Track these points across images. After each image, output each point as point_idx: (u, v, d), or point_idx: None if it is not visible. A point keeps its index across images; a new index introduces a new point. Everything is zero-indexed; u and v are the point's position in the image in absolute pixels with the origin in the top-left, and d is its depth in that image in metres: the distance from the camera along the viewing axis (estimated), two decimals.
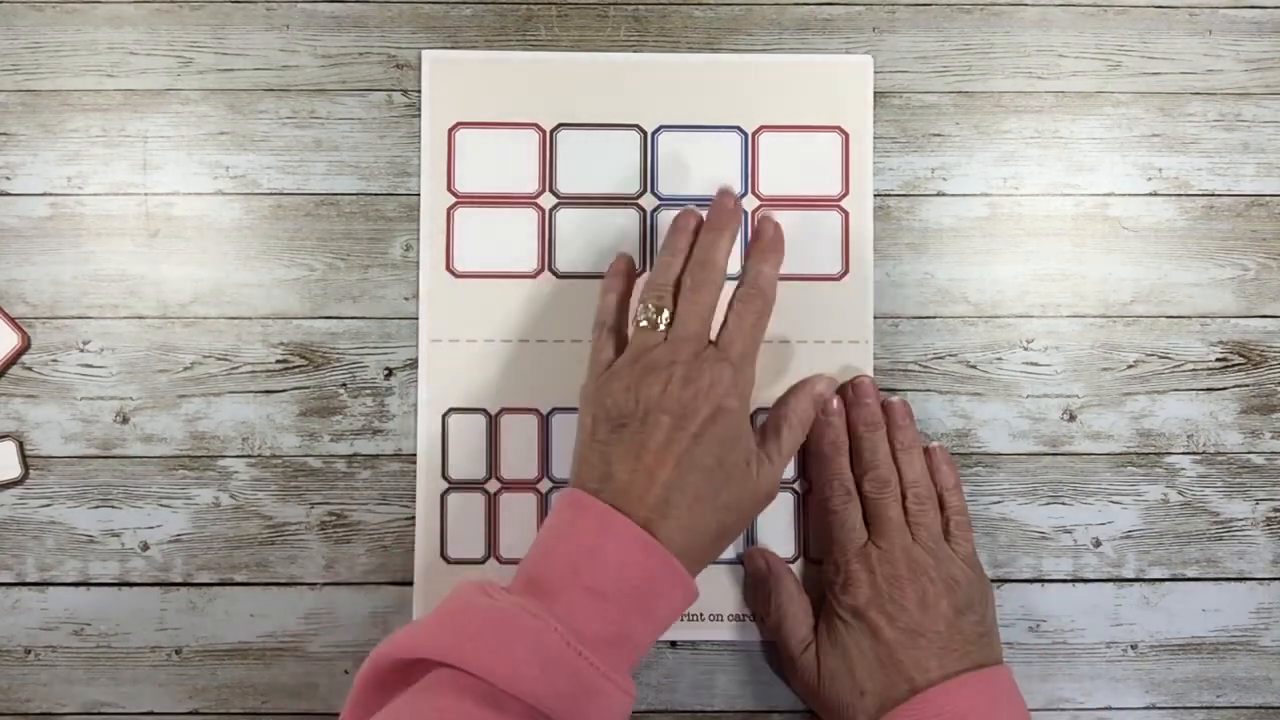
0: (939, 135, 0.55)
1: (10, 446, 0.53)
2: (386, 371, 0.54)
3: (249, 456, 0.53)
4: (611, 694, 0.42)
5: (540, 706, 0.40)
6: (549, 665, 0.41)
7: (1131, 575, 0.54)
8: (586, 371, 0.50)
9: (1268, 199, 0.55)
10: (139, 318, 0.54)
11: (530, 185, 0.54)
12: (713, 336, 0.48)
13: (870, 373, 0.54)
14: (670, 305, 0.48)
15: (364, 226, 0.54)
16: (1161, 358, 0.54)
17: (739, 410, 0.47)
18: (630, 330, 0.49)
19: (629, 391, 0.46)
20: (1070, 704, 0.54)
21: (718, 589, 0.53)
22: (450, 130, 0.54)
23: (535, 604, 0.42)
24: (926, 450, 0.52)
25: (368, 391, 0.54)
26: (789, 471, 0.54)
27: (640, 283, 0.52)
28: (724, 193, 0.51)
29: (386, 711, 0.42)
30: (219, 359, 0.54)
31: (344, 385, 0.54)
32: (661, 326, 0.48)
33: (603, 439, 0.46)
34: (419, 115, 0.54)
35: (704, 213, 0.51)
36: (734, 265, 0.54)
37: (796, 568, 0.53)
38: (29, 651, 0.53)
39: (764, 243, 0.50)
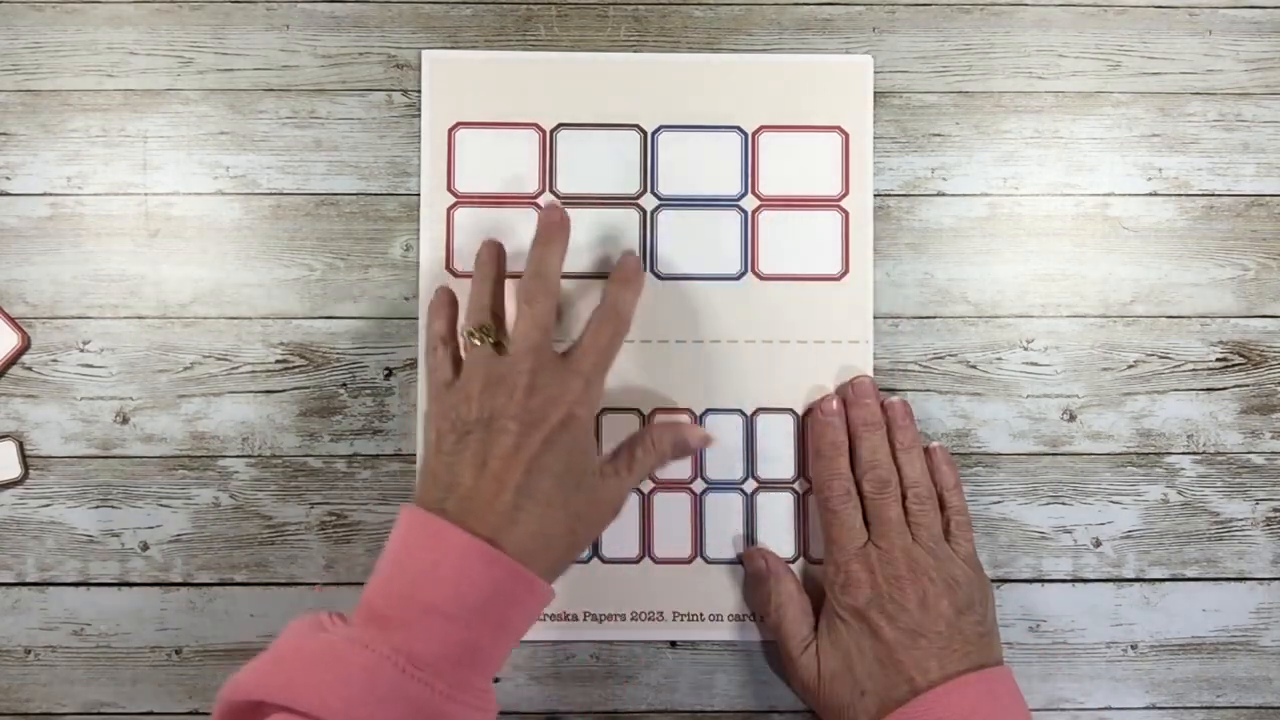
0: (939, 135, 0.55)
1: (10, 446, 0.53)
2: (386, 371, 0.54)
3: (249, 456, 0.53)
4: (459, 714, 0.41)
5: None
6: (384, 696, 0.40)
7: (1131, 575, 0.54)
8: (428, 392, 0.50)
9: (1268, 199, 0.55)
10: (139, 318, 0.54)
11: (530, 185, 0.54)
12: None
13: (870, 373, 0.54)
14: (493, 324, 0.48)
15: (364, 226, 0.54)
16: (1161, 358, 0.54)
17: (586, 419, 0.47)
18: (464, 351, 0.49)
19: (471, 401, 0.46)
20: (1070, 704, 0.54)
21: (718, 589, 0.53)
22: (450, 130, 0.54)
23: (371, 633, 0.41)
24: (926, 450, 0.52)
25: (368, 391, 0.54)
26: (789, 471, 0.54)
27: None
28: (551, 206, 0.50)
29: None
30: (219, 359, 0.54)
31: (344, 385, 0.54)
32: (489, 342, 0.48)
33: (448, 450, 0.45)
34: (419, 115, 0.54)
35: (502, 243, 0.51)
36: (728, 266, 0.54)
37: (796, 568, 0.53)
38: (29, 651, 0.53)
39: (626, 273, 0.50)
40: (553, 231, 0.50)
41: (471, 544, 0.43)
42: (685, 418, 0.53)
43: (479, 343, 0.48)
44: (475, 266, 0.51)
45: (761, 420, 0.54)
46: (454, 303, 0.52)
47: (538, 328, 0.47)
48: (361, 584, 0.53)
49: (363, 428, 0.54)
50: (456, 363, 0.50)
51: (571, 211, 0.54)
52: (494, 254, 0.51)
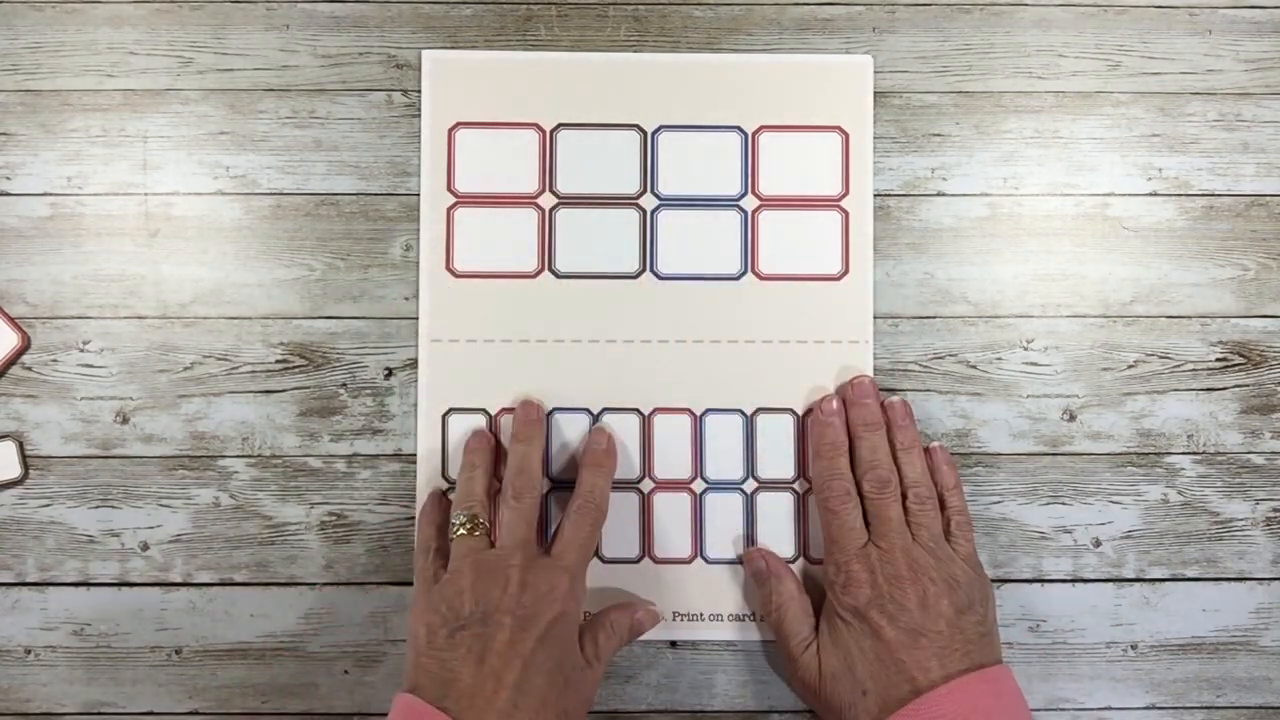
0: (939, 135, 0.55)
1: (10, 446, 0.53)
2: (386, 371, 0.54)
3: (249, 456, 0.53)
4: None
5: None
6: None
7: (1131, 575, 0.54)
8: (415, 590, 0.50)
9: (1268, 199, 0.55)
10: (139, 318, 0.54)
11: (530, 185, 0.54)
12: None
13: (870, 373, 0.54)
14: (483, 514, 0.49)
15: (364, 226, 0.54)
16: (1161, 358, 0.54)
17: (575, 617, 0.48)
18: (453, 541, 0.49)
19: (464, 595, 0.46)
20: (1070, 704, 0.54)
21: (718, 589, 0.53)
22: (450, 130, 0.54)
23: None
24: (927, 450, 0.52)
25: (368, 391, 0.54)
26: (789, 471, 0.54)
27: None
28: (526, 404, 0.52)
29: None
30: (219, 359, 0.54)
31: (344, 385, 0.54)
32: (479, 534, 0.48)
33: (440, 646, 0.46)
34: (419, 115, 0.54)
35: (490, 436, 0.52)
36: (728, 266, 0.54)
37: (796, 568, 0.53)
38: (29, 651, 0.53)
39: (597, 455, 0.51)
40: (531, 429, 0.51)
41: None
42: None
43: (468, 532, 0.49)
44: (465, 455, 0.52)
45: (761, 420, 0.54)
46: (446, 508, 0.52)
47: (524, 523, 0.48)
48: (362, 584, 0.53)
49: (363, 428, 0.54)
50: (445, 564, 0.50)
51: (572, 212, 0.54)
52: (485, 444, 0.52)
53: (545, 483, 0.52)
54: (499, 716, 0.44)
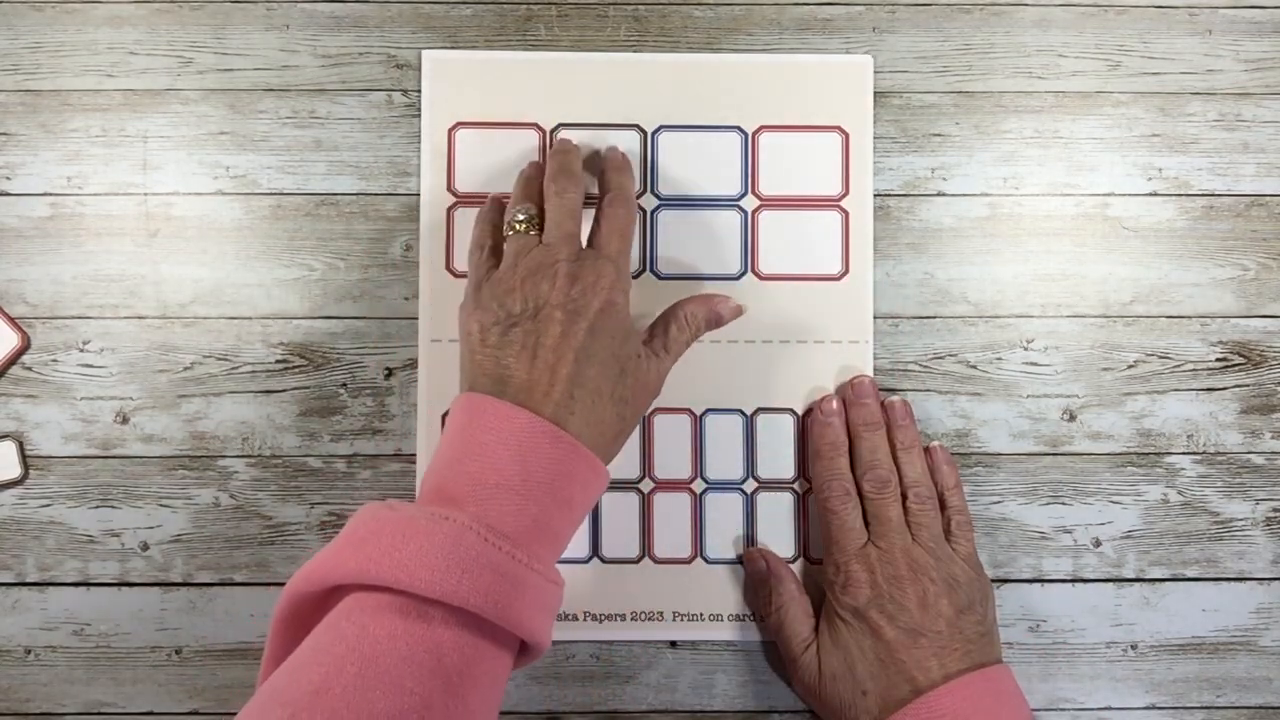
0: (939, 135, 0.55)
1: (10, 446, 0.53)
2: (386, 371, 0.54)
3: (249, 456, 0.53)
4: (539, 585, 0.42)
5: (468, 607, 0.40)
6: (470, 565, 0.40)
7: (1131, 575, 0.54)
8: (466, 292, 0.49)
9: (1268, 199, 0.55)
10: (139, 318, 0.54)
11: None
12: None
13: (870, 373, 0.54)
14: (536, 210, 0.49)
15: (364, 226, 0.54)
16: (1161, 358, 0.54)
17: (624, 305, 0.47)
18: (506, 239, 0.49)
19: (515, 293, 0.46)
20: (1070, 704, 0.54)
21: (718, 589, 0.53)
22: (450, 130, 0.54)
23: (446, 509, 0.42)
24: (927, 450, 0.52)
25: (368, 391, 0.54)
26: (789, 471, 0.54)
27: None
28: (561, 139, 0.53)
29: (307, 642, 0.41)
30: (219, 359, 0.54)
31: (344, 385, 0.54)
32: (534, 231, 0.48)
33: (494, 344, 0.46)
34: (419, 115, 0.54)
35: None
36: (728, 266, 0.54)
37: (796, 568, 0.53)
38: (29, 651, 0.53)
39: (618, 161, 0.51)
40: (568, 145, 0.51)
41: (537, 423, 0.43)
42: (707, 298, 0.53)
43: (524, 229, 0.48)
44: (519, 175, 0.52)
45: (761, 420, 0.54)
46: (502, 211, 0.52)
47: (570, 217, 0.48)
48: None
49: (363, 428, 0.54)
50: (497, 262, 0.50)
51: None
52: (537, 166, 0.52)
53: (588, 178, 0.51)
54: (555, 408, 0.44)
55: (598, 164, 0.53)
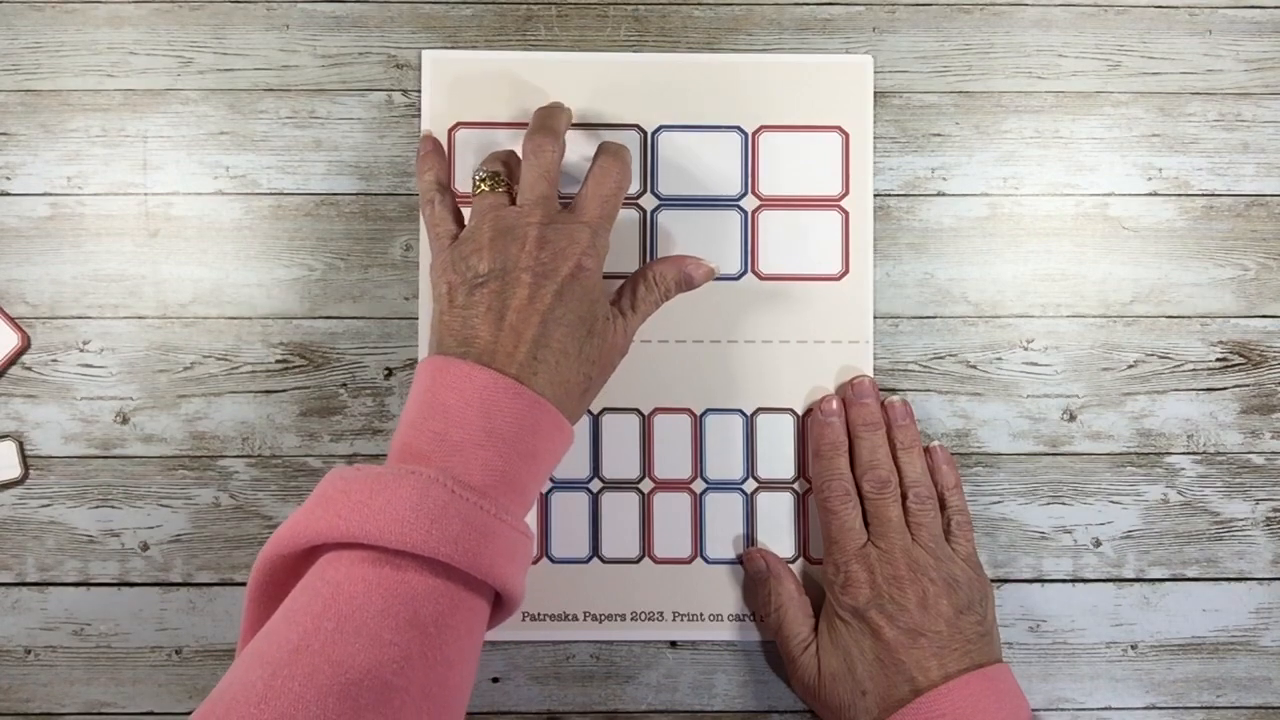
0: (939, 135, 0.55)
1: (10, 446, 0.53)
2: (386, 371, 0.54)
3: (249, 456, 0.53)
4: (508, 534, 0.42)
5: (439, 557, 0.40)
6: (438, 515, 0.40)
7: (1131, 575, 0.54)
8: (431, 247, 0.49)
9: (1268, 199, 0.55)
10: (139, 318, 0.54)
11: None
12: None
13: (870, 373, 0.54)
14: (504, 171, 0.49)
15: (364, 226, 0.54)
16: (1161, 358, 0.54)
17: (595, 270, 0.47)
18: (474, 198, 0.49)
19: (483, 252, 0.46)
20: (1070, 704, 0.54)
21: (718, 589, 0.53)
22: (450, 130, 0.54)
23: (412, 464, 0.42)
24: (927, 450, 0.52)
25: (368, 391, 0.54)
26: (789, 471, 0.54)
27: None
28: (554, 102, 0.52)
29: (284, 604, 0.41)
30: (219, 359, 0.54)
31: (344, 385, 0.54)
32: (500, 190, 0.48)
33: (461, 303, 0.46)
34: (419, 115, 0.54)
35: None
36: (728, 266, 0.54)
37: (796, 568, 0.53)
38: (29, 651, 0.53)
39: (611, 145, 0.50)
40: (555, 105, 0.51)
41: (500, 379, 0.43)
42: (687, 262, 0.52)
43: (489, 188, 0.48)
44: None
45: (761, 420, 0.54)
46: (441, 151, 0.52)
47: (545, 179, 0.48)
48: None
49: (363, 428, 0.54)
50: (456, 215, 0.50)
51: None
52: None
53: (565, 144, 0.51)
54: (519, 369, 0.44)
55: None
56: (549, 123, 0.49)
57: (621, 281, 0.51)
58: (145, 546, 0.53)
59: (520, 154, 0.49)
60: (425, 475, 0.41)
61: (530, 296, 0.45)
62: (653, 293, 0.50)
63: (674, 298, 0.51)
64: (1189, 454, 0.54)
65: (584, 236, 0.47)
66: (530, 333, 0.45)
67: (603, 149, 0.50)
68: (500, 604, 0.44)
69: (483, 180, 0.48)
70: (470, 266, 0.46)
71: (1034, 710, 0.52)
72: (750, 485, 0.54)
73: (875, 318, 0.54)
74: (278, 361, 0.54)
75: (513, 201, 0.48)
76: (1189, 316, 0.54)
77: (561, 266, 0.46)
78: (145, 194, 0.54)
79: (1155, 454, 0.54)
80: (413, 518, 0.40)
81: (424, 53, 0.54)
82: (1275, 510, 0.54)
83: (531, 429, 0.44)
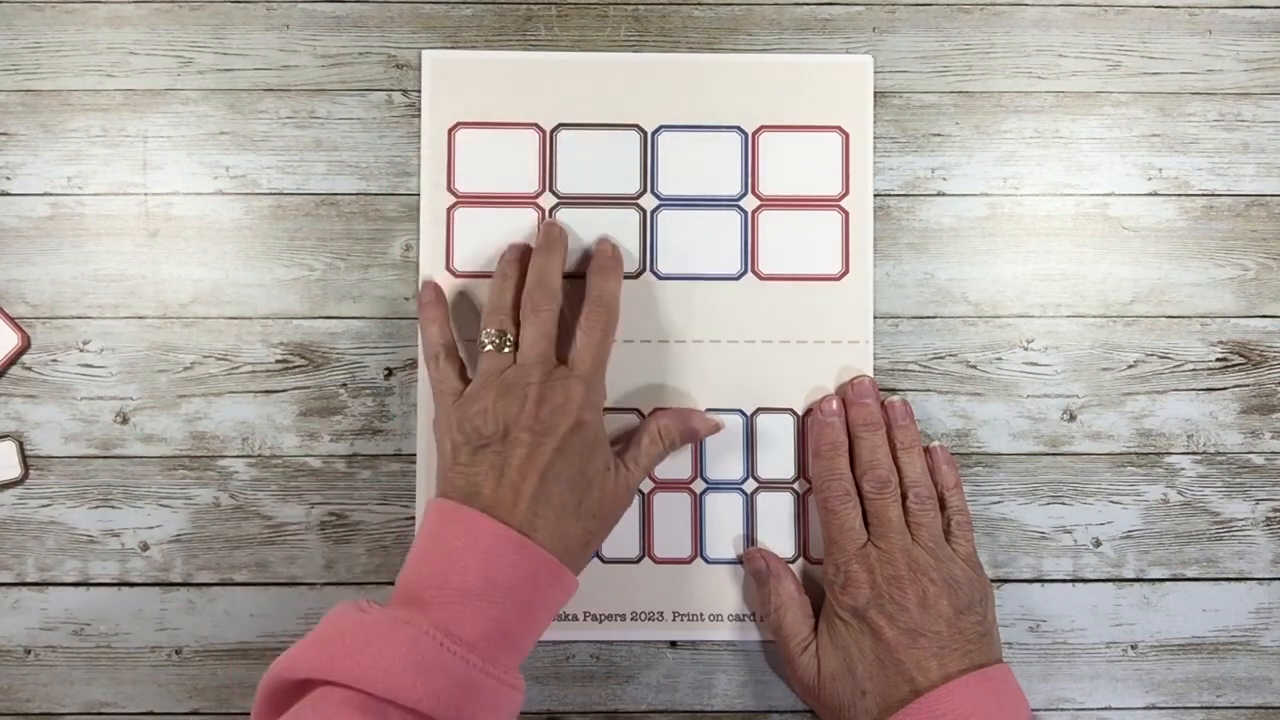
0: (939, 135, 0.55)
1: (10, 446, 0.53)
2: (386, 371, 0.54)
3: (249, 456, 0.53)
4: (494, 689, 0.43)
5: (421, 709, 0.41)
6: (424, 668, 0.42)
7: (1131, 575, 0.54)
8: (434, 402, 0.51)
9: (1268, 199, 0.55)
10: (139, 318, 0.54)
11: (530, 185, 0.54)
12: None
13: (870, 373, 0.54)
14: (512, 328, 0.50)
15: (364, 226, 0.54)
16: (1161, 358, 0.54)
17: (594, 422, 0.48)
18: (480, 355, 0.50)
19: (487, 414, 0.47)
20: (1070, 704, 0.54)
21: (718, 589, 0.53)
22: (450, 130, 0.54)
23: (409, 612, 0.43)
24: (927, 450, 0.52)
25: (368, 391, 0.54)
26: (789, 471, 0.54)
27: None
28: (550, 223, 0.53)
29: None
30: (219, 359, 0.54)
31: (344, 385, 0.54)
32: (506, 349, 0.49)
33: (465, 462, 0.47)
34: (419, 115, 0.54)
35: (529, 243, 0.53)
36: (728, 266, 0.54)
37: (796, 568, 0.53)
38: (29, 651, 0.53)
39: (604, 261, 0.52)
40: (553, 242, 0.52)
41: (503, 530, 0.45)
42: (690, 404, 0.54)
43: (491, 347, 0.49)
44: (499, 265, 0.52)
45: (761, 420, 0.54)
46: (443, 301, 0.53)
47: (543, 337, 0.49)
48: (362, 584, 0.53)
49: (363, 428, 0.54)
50: (460, 371, 0.51)
51: (572, 212, 0.54)
52: (519, 255, 0.52)
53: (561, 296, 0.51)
54: (520, 522, 0.45)
55: (589, 249, 0.53)
56: (547, 280, 0.50)
57: (623, 433, 0.52)
58: (145, 546, 0.53)
59: (499, 290, 0.51)
60: (418, 627, 0.43)
61: (529, 455, 0.46)
62: (656, 445, 0.51)
63: (678, 448, 0.53)
64: (1189, 454, 0.54)
65: (579, 392, 0.48)
66: (529, 488, 0.46)
67: (589, 296, 0.50)
68: None
69: (490, 340, 0.49)
70: (475, 428, 0.47)
71: (1034, 710, 0.52)
72: (750, 485, 0.54)
73: (875, 318, 0.54)
74: (278, 361, 0.54)
75: (515, 358, 0.49)
76: (1189, 316, 0.54)
77: (561, 423, 0.47)
78: (145, 194, 0.54)
79: (1155, 454, 0.54)
80: (400, 668, 0.41)
81: (424, 53, 0.54)
82: (1275, 510, 0.54)
83: (530, 582, 0.45)
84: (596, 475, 0.48)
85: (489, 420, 0.47)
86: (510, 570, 0.44)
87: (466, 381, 0.50)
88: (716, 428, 0.53)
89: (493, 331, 0.50)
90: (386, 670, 0.41)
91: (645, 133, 0.54)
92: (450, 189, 0.54)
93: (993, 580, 0.53)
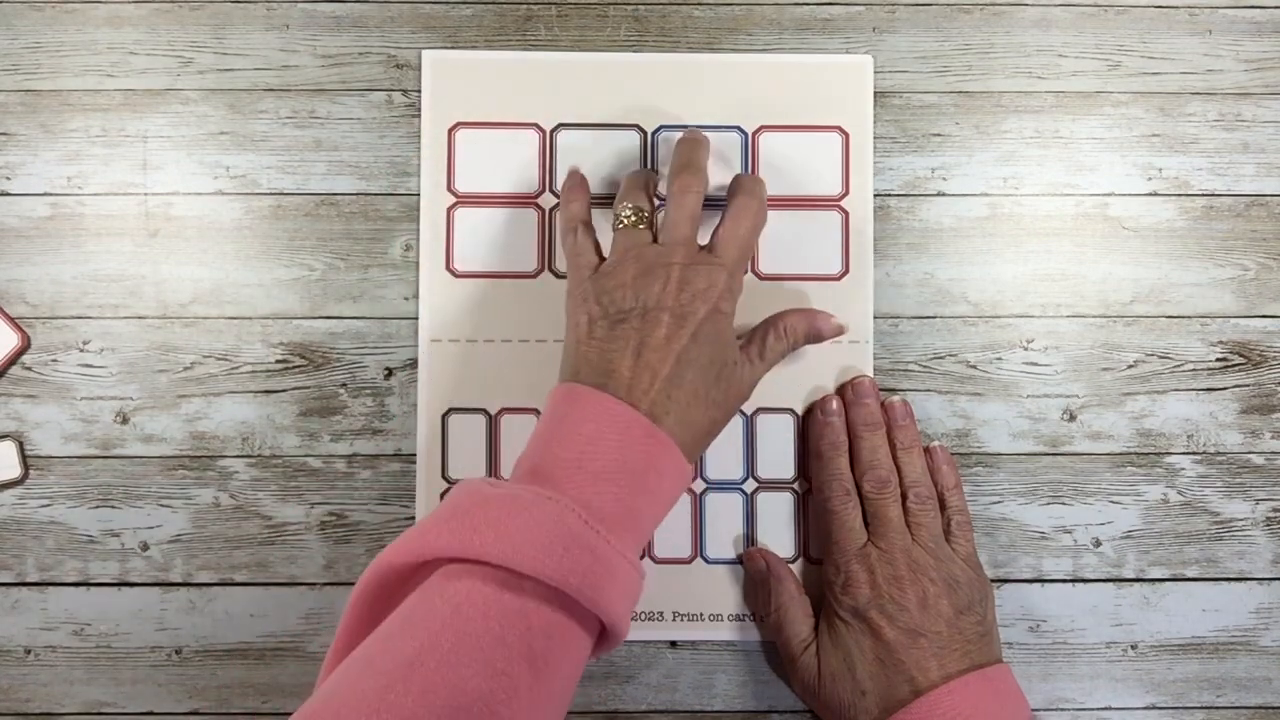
0: (939, 135, 0.55)
1: (10, 446, 0.53)
2: (386, 371, 0.54)
3: (249, 456, 0.53)
4: (628, 572, 0.43)
5: (563, 587, 0.40)
6: (571, 545, 0.41)
7: (1131, 575, 0.54)
8: (568, 276, 0.50)
9: (1268, 199, 0.55)
10: (139, 318, 0.54)
11: (530, 185, 0.54)
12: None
13: (870, 373, 0.54)
14: (648, 207, 0.49)
15: (364, 226, 0.54)
16: (1161, 358, 0.54)
17: (730, 314, 0.48)
18: (615, 231, 0.49)
19: (626, 289, 0.47)
20: (1070, 704, 0.54)
21: (718, 589, 0.53)
22: (450, 130, 0.54)
23: (546, 489, 0.42)
24: (927, 450, 0.52)
25: (368, 391, 0.54)
26: (789, 471, 0.54)
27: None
28: (693, 130, 0.52)
29: (399, 612, 0.41)
30: (219, 359, 0.54)
31: (344, 385, 0.54)
32: (643, 226, 0.49)
33: (601, 336, 0.46)
34: (419, 115, 0.54)
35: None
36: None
37: (796, 568, 0.53)
38: (29, 651, 0.53)
39: (693, 133, 0.52)
40: (697, 135, 0.51)
41: (636, 417, 0.44)
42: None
43: (633, 224, 0.49)
44: (632, 172, 0.52)
45: (761, 420, 0.54)
46: (586, 185, 0.53)
47: (689, 219, 0.48)
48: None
49: (363, 428, 0.54)
50: (596, 247, 0.50)
51: None
52: (647, 172, 0.53)
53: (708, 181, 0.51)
54: (651, 405, 0.45)
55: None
56: (695, 159, 0.50)
57: (745, 330, 0.51)
58: (145, 546, 0.53)
59: (635, 177, 0.50)
60: (562, 503, 0.41)
61: (668, 336, 0.46)
62: (781, 342, 0.51)
63: (800, 346, 0.52)
64: (1189, 454, 0.54)
65: (721, 279, 0.47)
66: (665, 371, 0.45)
67: (739, 186, 0.50)
68: (601, 639, 0.44)
69: (628, 218, 0.49)
70: (613, 301, 0.47)
71: (1034, 710, 0.52)
72: (750, 485, 0.54)
73: (875, 318, 0.54)
74: (278, 361, 0.54)
75: (654, 237, 0.49)
76: (1189, 316, 0.54)
77: (699, 309, 0.46)
78: (145, 194, 0.54)
79: (1155, 454, 0.54)
80: (546, 543, 0.40)
81: (424, 53, 0.54)
82: (1275, 510, 0.54)
83: (659, 470, 0.44)
84: (726, 365, 0.47)
85: (628, 296, 0.47)
86: (641, 456, 0.44)
87: (602, 258, 0.50)
88: (840, 330, 0.52)
89: (629, 207, 0.49)
90: (533, 545, 0.40)
91: (645, 133, 0.54)
92: (450, 189, 0.54)
93: (993, 580, 0.53)
